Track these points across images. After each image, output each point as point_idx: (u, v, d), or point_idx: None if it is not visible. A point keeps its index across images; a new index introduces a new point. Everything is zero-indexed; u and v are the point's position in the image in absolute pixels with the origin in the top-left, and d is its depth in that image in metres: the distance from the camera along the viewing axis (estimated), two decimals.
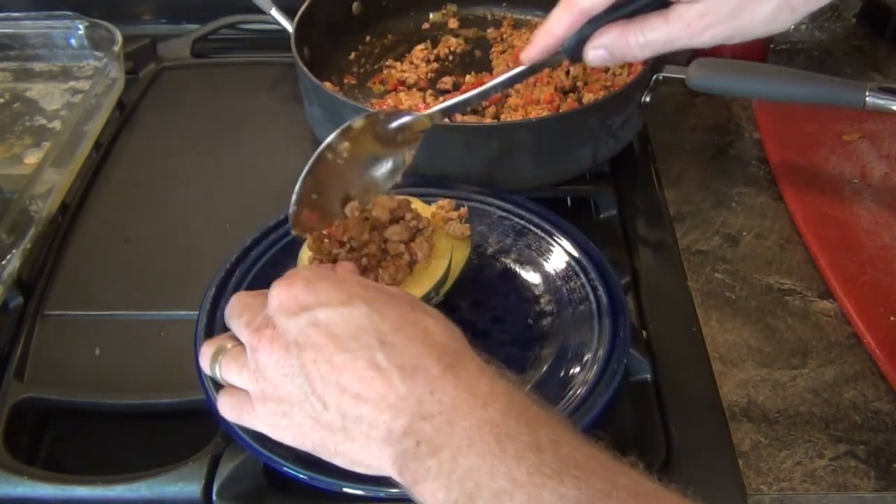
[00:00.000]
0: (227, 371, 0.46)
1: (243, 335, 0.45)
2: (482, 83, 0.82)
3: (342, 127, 0.56)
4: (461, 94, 0.58)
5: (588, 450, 0.38)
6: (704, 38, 0.49)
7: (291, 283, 0.44)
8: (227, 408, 0.46)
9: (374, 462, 0.40)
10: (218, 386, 0.48)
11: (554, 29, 0.52)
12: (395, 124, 0.57)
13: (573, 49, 0.52)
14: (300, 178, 0.55)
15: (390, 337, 0.41)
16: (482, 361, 0.42)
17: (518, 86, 0.82)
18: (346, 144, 0.56)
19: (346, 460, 0.42)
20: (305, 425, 0.42)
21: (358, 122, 0.56)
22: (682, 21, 0.48)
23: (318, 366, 0.41)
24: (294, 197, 0.55)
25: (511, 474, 0.36)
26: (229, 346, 0.46)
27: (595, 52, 0.51)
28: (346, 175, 0.56)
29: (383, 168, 0.57)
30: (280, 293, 0.43)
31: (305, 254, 0.59)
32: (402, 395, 0.39)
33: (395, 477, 0.40)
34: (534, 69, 0.55)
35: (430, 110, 0.57)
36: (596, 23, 0.51)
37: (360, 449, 0.40)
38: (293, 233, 0.55)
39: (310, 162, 0.55)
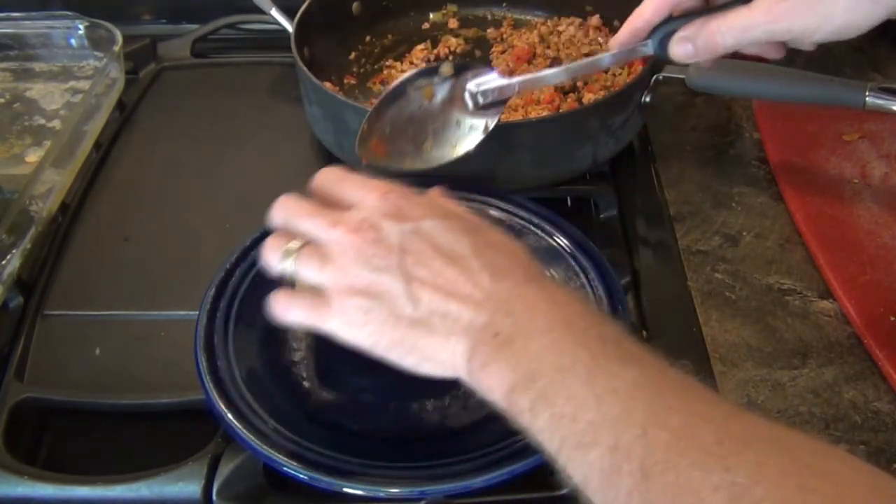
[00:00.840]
0: (306, 266, 0.46)
1: (331, 233, 0.46)
2: None
3: (429, 66, 0.61)
4: (539, 71, 0.65)
5: (645, 348, 0.41)
6: (783, 26, 0.50)
7: (386, 191, 0.48)
8: (295, 308, 0.47)
9: (447, 356, 0.43)
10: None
11: (643, 10, 0.55)
12: (481, 84, 0.61)
13: (659, 43, 0.56)
14: (378, 101, 0.59)
15: (483, 249, 0.45)
16: (557, 282, 0.46)
17: None
18: (430, 90, 0.61)
19: (418, 357, 0.44)
20: (388, 322, 0.44)
21: (446, 69, 0.60)
22: (762, 6, 0.50)
23: (417, 267, 0.44)
24: (366, 118, 0.58)
25: (575, 355, 0.39)
26: (298, 244, 0.47)
27: (680, 46, 0.54)
28: (425, 120, 0.60)
29: (462, 127, 0.61)
30: (384, 202, 0.47)
31: None
32: (488, 295, 0.43)
33: (462, 366, 0.43)
34: (619, 58, 0.59)
35: (515, 79, 0.61)
36: (682, 19, 0.54)
37: (437, 343, 0.43)
38: (358, 153, 0.58)
39: (390, 88, 0.59)
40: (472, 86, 0.61)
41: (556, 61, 0.85)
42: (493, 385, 0.41)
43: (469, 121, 0.61)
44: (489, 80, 0.61)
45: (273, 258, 0.48)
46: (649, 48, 0.56)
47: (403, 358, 0.44)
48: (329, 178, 0.51)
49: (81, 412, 0.59)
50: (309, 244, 0.47)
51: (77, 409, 0.58)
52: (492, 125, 0.61)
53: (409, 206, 0.47)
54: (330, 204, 0.49)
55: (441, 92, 0.60)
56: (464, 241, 0.45)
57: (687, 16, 0.54)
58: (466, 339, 0.42)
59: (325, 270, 0.46)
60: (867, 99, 0.65)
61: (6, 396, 0.57)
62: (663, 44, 0.56)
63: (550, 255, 0.62)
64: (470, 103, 0.62)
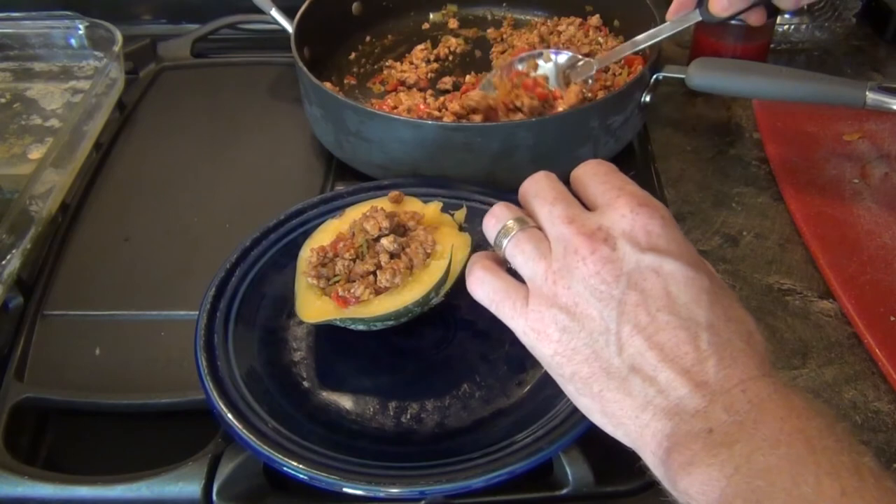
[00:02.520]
0: (518, 250, 0.41)
1: (561, 229, 0.40)
2: (479, 82, 0.83)
3: (531, 53, 0.80)
4: (615, 50, 0.76)
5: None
6: None
7: (650, 214, 0.40)
8: (488, 288, 0.42)
9: (634, 426, 0.37)
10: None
11: None
12: (569, 63, 0.78)
13: (704, 9, 0.67)
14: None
15: (719, 323, 0.38)
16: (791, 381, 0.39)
17: None
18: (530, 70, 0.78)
19: (597, 407, 0.39)
20: (581, 352, 0.38)
21: (546, 55, 0.79)
22: None
23: (639, 311, 0.37)
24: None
25: (820, 486, 0.31)
26: (523, 224, 0.42)
27: (717, 2, 0.63)
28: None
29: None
30: (635, 217, 0.39)
31: (306, 253, 0.59)
32: (710, 380, 0.36)
33: (652, 451, 0.37)
34: (676, 26, 0.70)
35: (595, 58, 0.77)
36: None
37: (627, 406, 0.37)
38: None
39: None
40: (562, 67, 0.78)
41: None
42: (697, 492, 0.34)
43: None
44: (574, 60, 0.79)
45: (491, 228, 0.43)
46: (697, 15, 0.68)
47: (580, 396, 0.39)
48: (588, 171, 0.44)
49: (81, 412, 0.59)
50: (533, 229, 0.42)
51: (77, 409, 0.58)
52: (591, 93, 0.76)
53: (659, 233, 0.39)
54: (583, 198, 0.43)
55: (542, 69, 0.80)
56: (704, 303, 0.38)
57: None
58: (668, 420, 0.36)
59: (538, 265, 0.40)
60: (867, 98, 0.65)
61: (6, 396, 0.57)
62: (705, 7, 0.66)
63: None
64: (560, 83, 0.78)
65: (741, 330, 0.38)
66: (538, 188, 0.43)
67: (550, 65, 0.79)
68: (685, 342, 0.37)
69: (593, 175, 0.43)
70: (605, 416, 0.39)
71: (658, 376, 0.36)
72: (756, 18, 0.68)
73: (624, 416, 0.38)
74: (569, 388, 0.40)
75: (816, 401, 0.36)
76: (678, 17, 0.70)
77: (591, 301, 0.38)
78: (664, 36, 0.71)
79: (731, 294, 0.40)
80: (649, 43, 0.72)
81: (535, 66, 0.79)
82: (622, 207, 0.40)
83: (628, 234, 0.39)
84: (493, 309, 0.42)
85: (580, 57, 0.78)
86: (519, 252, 0.42)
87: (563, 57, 0.79)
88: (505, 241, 0.42)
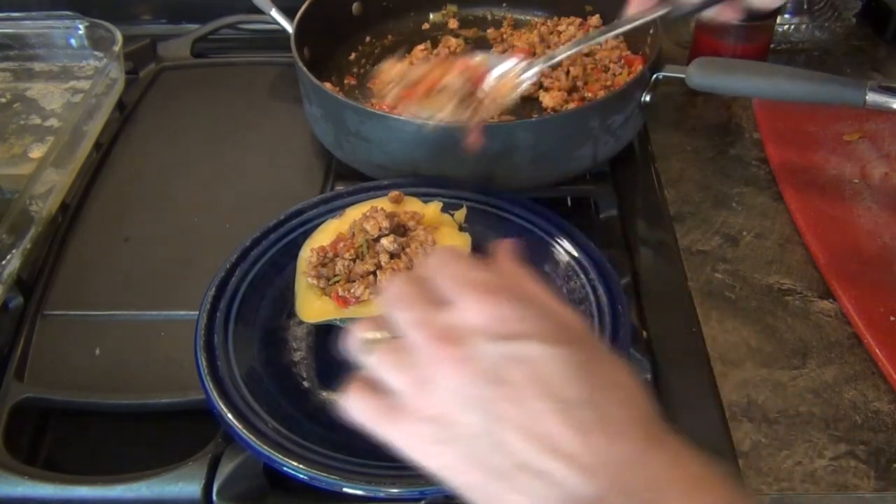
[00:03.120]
0: (381, 363, 0.39)
1: (415, 335, 0.38)
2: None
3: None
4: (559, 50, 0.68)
5: None
6: None
7: (497, 300, 0.37)
8: (362, 411, 0.39)
9: None
10: (219, 385, 0.48)
11: None
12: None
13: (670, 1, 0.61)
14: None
15: (599, 394, 0.36)
16: (682, 439, 0.37)
17: None
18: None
19: None
20: (464, 462, 0.36)
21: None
22: None
23: (510, 405, 0.35)
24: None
25: None
26: (384, 335, 0.40)
27: None
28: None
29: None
30: (483, 308, 0.37)
31: (306, 253, 0.59)
32: (601, 461, 0.34)
33: None
34: (634, 23, 0.63)
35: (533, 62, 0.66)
36: None
37: None
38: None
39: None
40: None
41: None
42: None
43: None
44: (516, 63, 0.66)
45: (353, 346, 0.41)
46: (662, 8, 0.61)
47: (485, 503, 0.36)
48: (433, 266, 0.41)
49: (81, 412, 0.59)
50: (393, 340, 0.39)
51: (77, 409, 0.58)
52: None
53: (513, 318, 0.37)
54: (438, 295, 0.40)
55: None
56: (576, 379, 0.35)
57: None
58: None
59: (400, 378, 0.38)
60: (867, 97, 0.65)
61: (6, 396, 0.57)
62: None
63: (551, 256, 0.62)
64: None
65: (621, 396, 0.36)
66: (393, 295, 0.40)
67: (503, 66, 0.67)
68: (564, 425, 0.34)
69: (439, 270, 0.40)
70: None
71: (546, 468, 0.34)
72: (728, 14, 0.61)
73: None
74: (469, 498, 0.37)
75: (709, 462, 0.36)
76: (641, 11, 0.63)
77: (459, 407, 0.36)
78: (620, 30, 0.66)
79: (607, 357, 0.38)
80: (601, 38, 0.67)
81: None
82: (469, 301, 0.38)
83: (481, 329, 0.37)
84: (374, 432, 0.39)
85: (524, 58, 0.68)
86: (381, 368, 0.39)
87: (512, 62, 0.67)
88: (365, 357, 0.40)
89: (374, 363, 0.39)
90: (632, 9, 0.64)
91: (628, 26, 0.65)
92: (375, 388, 0.39)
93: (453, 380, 0.36)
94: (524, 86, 0.66)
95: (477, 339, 0.36)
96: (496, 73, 0.65)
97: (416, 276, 0.41)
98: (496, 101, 0.64)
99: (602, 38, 0.68)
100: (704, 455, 0.36)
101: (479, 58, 0.66)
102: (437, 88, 0.64)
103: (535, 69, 0.66)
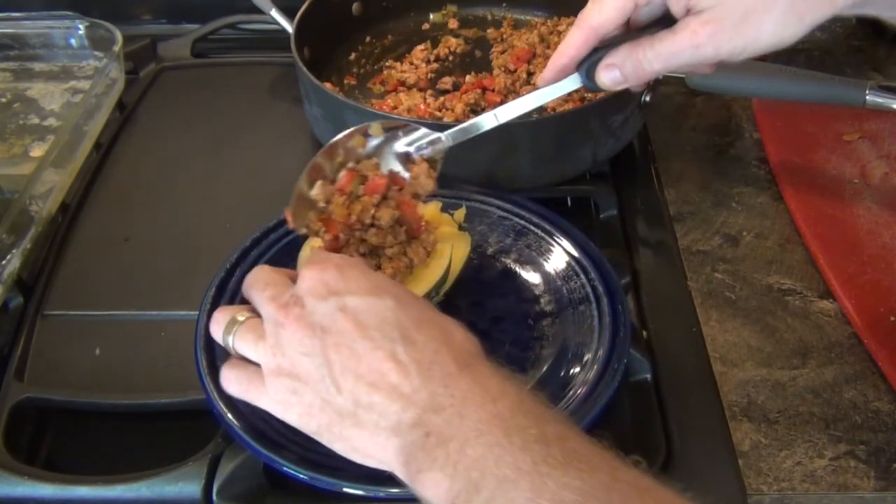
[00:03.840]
0: (241, 342, 0.46)
1: (266, 308, 0.45)
2: (482, 84, 0.83)
3: (357, 128, 0.55)
4: (472, 118, 0.56)
5: (592, 446, 0.38)
6: (709, 50, 0.48)
7: (324, 267, 0.44)
8: (233, 382, 0.46)
9: (376, 451, 0.41)
10: (214, 375, 0.48)
11: (566, 48, 0.52)
12: (412, 141, 0.56)
13: (587, 74, 0.52)
14: (309, 166, 0.55)
15: (412, 332, 0.42)
16: (495, 365, 0.43)
17: (519, 85, 0.82)
18: (362, 141, 0.56)
19: (348, 446, 0.42)
20: (315, 405, 0.42)
21: (375, 129, 0.56)
22: (687, 30, 0.48)
23: (339, 350, 0.41)
24: (295, 192, 0.54)
25: (517, 464, 0.36)
26: (242, 317, 0.46)
27: (607, 72, 0.51)
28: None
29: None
30: (312, 275, 0.44)
31: (306, 253, 0.59)
32: (416, 388, 0.40)
33: (397, 468, 0.40)
34: (547, 95, 0.54)
35: (446, 133, 0.56)
36: (607, 48, 0.51)
37: (365, 436, 0.41)
38: (294, 225, 0.53)
39: (322, 150, 0.55)
40: (400, 146, 0.56)
41: None
42: (433, 495, 0.38)
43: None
44: (421, 136, 0.56)
45: (217, 334, 0.47)
46: (577, 81, 0.53)
47: (333, 444, 0.43)
48: (303, 257, 0.49)
49: (81, 412, 0.59)
50: (250, 319, 0.46)
51: (77, 409, 0.58)
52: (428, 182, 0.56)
53: (336, 278, 0.44)
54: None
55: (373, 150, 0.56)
56: (391, 321, 0.42)
57: (612, 44, 0.51)
58: (396, 437, 0.40)
59: (259, 347, 0.44)
60: (867, 97, 0.65)
61: (6, 396, 0.57)
62: (590, 73, 0.52)
63: (550, 255, 0.63)
64: (401, 165, 0.56)
65: (435, 332, 0.42)
66: (251, 281, 0.48)
67: (377, 141, 0.56)
68: (385, 360, 0.40)
69: (267, 272, 0.48)
70: (357, 452, 0.42)
71: (373, 401, 0.40)
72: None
73: (367, 446, 0.41)
74: (324, 440, 0.43)
75: (508, 376, 0.42)
76: (553, 86, 0.54)
77: (303, 359, 0.42)
78: (532, 108, 0.55)
79: (421, 302, 0.45)
80: (514, 114, 0.55)
81: (363, 143, 0.56)
82: (304, 274, 0.45)
83: (311, 291, 0.43)
84: (245, 398, 0.46)
85: (427, 131, 0.56)
86: (242, 343, 0.46)
87: (406, 140, 0.56)
88: (230, 339, 0.46)
89: (237, 342, 0.46)
90: (543, 81, 0.54)
91: (536, 104, 0.55)
92: (245, 363, 0.46)
93: (293, 336, 0.43)
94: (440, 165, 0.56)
95: (308, 299, 0.43)
96: (390, 165, 0.56)
97: (267, 267, 0.49)
98: (422, 186, 0.56)
99: (503, 122, 0.55)
100: (506, 373, 0.42)
101: (366, 148, 0.56)
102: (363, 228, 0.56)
103: (443, 142, 0.55)
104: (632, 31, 0.52)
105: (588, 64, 0.52)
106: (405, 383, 0.40)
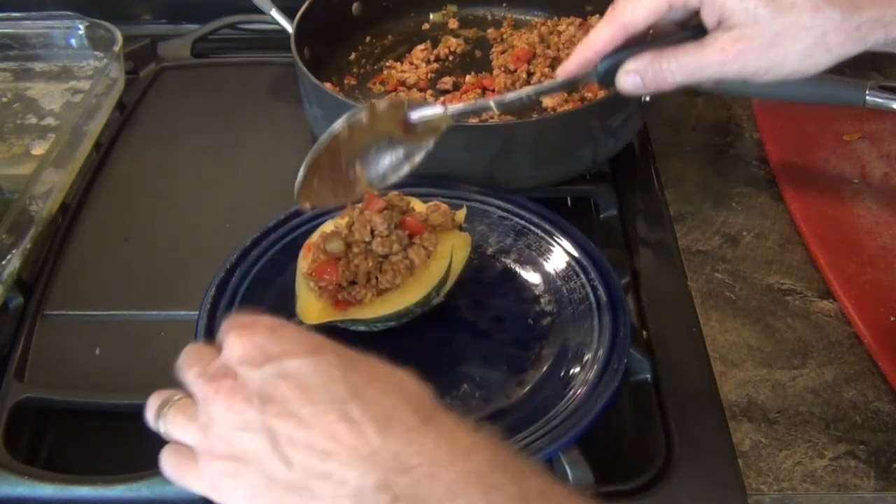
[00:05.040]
0: (172, 424, 0.42)
1: (196, 387, 0.41)
2: (482, 84, 0.83)
3: (366, 106, 0.55)
4: (483, 98, 0.56)
5: (576, 500, 0.36)
6: (735, 67, 0.47)
7: (253, 330, 0.41)
8: (168, 465, 0.42)
9: None
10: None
11: (594, 42, 0.51)
12: (417, 115, 0.56)
13: (605, 73, 0.52)
14: (313, 150, 0.54)
15: (363, 389, 0.38)
16: (457, 416, 0.39)
17: (519, 85, 0.82)
18: (365, 121, 0.55)
19: None
20: (259, 486, 0.38)
21: (382, 105, 0.55)
22: (716, 45, 0.47)
23: (284, 420, 0.37)
24: (303, 169, 0.54)
25: None
26: (177, 397, 0.43)
27: (627, 77, 0.50)
28: (357, 150, 0.56)
29: (395, 154, 0.56)
30: (242, 342, 0.40)
31: (305, 261, 0.58)
32: (376, 448, 0.36)
33: None
34: (565, 85, 0.54)
35: (450, 109, 0.56)
36: (631, 51, 0.51)
37: None
38: (298, 201, 0.54)
39: (323, 137, 0.55)
40: (412, 115, 0.56)
41: (555, 61, 0.85)
42: None
43: (402, 147, 0.56)
44: (425, 108, 0.56)
45: (149, 416, 0.43)
46: (593, 77, 0.52)
47: None
48: (227, 325, 0.44)
49: (81, 412, 0.59)
50: (181, 400, 0.42)
51: (77, 409, 0.58)
52: (418, 157, 0.57)
53: (271, 342, 0.40)
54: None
55: (378, 122, 0.56)
56: (338, 379, 0.38)
57: (635, 47, 0.51)
58: None
59: (190, 429, 0.41)
60: (867, 97, 0.65)
61: (6, 396, 0.57)
62: (610, 74, 0.51)
63: (550, 255, 0.63)
64: (407, 131, 0.56)
65: (387, 385, 0.39)
66: (181, 361, 0.43)
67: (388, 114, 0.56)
68: (337, 422, 0.37)
69: (223, 328, 0.43)
70: None
71: (329, 469, 0.36)
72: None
73: None
74: None
75: (478, 429, 0.38)
76: (570, 79, 0.54)
77: (241, 435, 0.38)
78: (543, 94, 0.57)
79: (364, 358, 0.41)
80: (529, 98, 0.55)
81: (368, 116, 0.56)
82: (230, 340, 0.41)
83: (243, 359, 0.40)
84: (181, 483, 0.41)
85: (430, 102, 0.57)
86: (173, 425, 0.42)
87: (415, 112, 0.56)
88: (160, 424, 0.42)
89: (167, 425, 0.42)
90: (563, 74, 0.54)
91: (544, 89, 0.56)
92: (181, 446, 0.41)
93: (228, 411, 0.38)
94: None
95: (241, 369, 0.39)
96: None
97: (196, 346, 0.44)
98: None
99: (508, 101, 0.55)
100: (473, 425, 0.38)
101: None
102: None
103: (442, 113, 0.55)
104: (657, 34, 0.51)
105: (609, 64, 0.51)
106: (363, 444, 0.36)
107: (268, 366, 0.39)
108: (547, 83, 0.55)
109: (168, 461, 0.42)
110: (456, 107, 0.55)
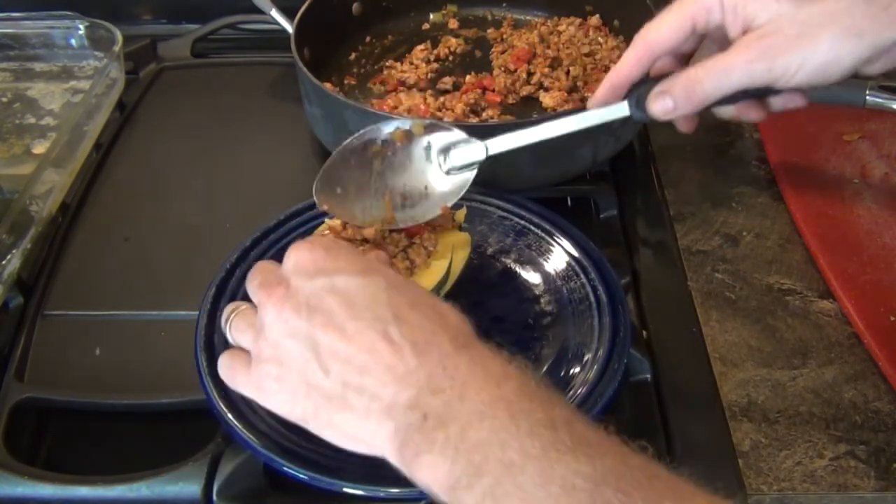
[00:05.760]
0: (235, 329, 0.45)
1: (255, 295, 0.43)
2: (482, 84, 0.83)
3: (396, 124, 0.56)
4: (513, 133, 0.57)
5: (599, 432, 0.37)
6: (762, 65, 0.46)
7: (312, 246, 0.43)
8: (223, 367, 0.45)
9: (367, 436, 0.39)
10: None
11: (620, 67, 0.52)
12: (451, 143, 0.56)
13: (637, 103, 0.52)
14: (332, 156, 0.56)
15: (405, 312, 0.40)
16: (493, 347, 0.41)
17: (519, 85, 0.82)
18: (398, 144, 0.56)
19: (338, 432, 0.40)
20: (299, 391, 0.40)
21: (417, 127, 0.56)
22: (740, 45, 0.47)
23: (327, 330, 0.39)
24: (321, 174, 0.55)
25: (523, 448, 0.35)
26: (244, 307, 0.46)
27: (657, 99, 0.50)
28: (388, 178, 0.57)
29: (427, 195, 0.57)
30: (299, 254, 0.43)
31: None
32: (412, 369, 0.38)
33: (390, 453, 0.39)
34: (596, 118, 0.54)
35: (486, 141, 0.56)
36: (660, 79, 0.51)
37: (355, 420, 0.39)
38: (316, 200, 0.55)
39: (359, 138, 0.56)
40: (438, 144, 0.56)
41: (555, 61, 0.85)
42: (430, 479, 0.36)
43: (436, 186, 0.57)
44: (460, 140, 0.56)
45: (222, 323, 0.47)
46: (625, 108, 0.52)
47: (321, 431, 0.41)
48: (260, 265, 0.47)
49: (81, 412, 0.59)
50: (246, 309, 0.45)
51: (77, 409, 0.58)
52: (456, 197, 0.57)
53: (324, 257, 0.42)
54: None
55: (410, 148, 0.56)
56: (383, 299, 0.40)
57: (665, 76, 0.51)
58: (390, 420, 0.38)
59: (248, 334, 0.43)
60: (867, 97, 0.64)
61: (6, 396, 0.57)
62: (641, 102, 0.51)
63: (550, 255, 0.63)
64: (439, 163, 0.57)
65: (429, 313, 0.41)
66: (250, 276, 0.46)
67: (424, 141, 0.57)
68: (378, 340, 0.38)
69: (264, 263, 0.47)
70: (346, 437, 0.40)
71: (365, 383, 0.38)
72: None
73: (357, 431, 0.39)
74: (311, 427, 0.41)
75: (511, 360, 0.40)
76: (602, 110, 0.54)
77: (286, 341, 0.40)
78: (575, 130, 0.55)
79: (412, 284, 0.44)
80: (558, 132, 0.56)
81: (402, 138, 0.57)
82: (290, 254, 0.44)
83: (297, 270, 0.42)
84: (231, 385, 0.45)
85: (467, 137, 0.56)
86: (235, 331, 0.45)
87: (440, 135, 0.56)
88: (227, 328, 0.46)
89: (232, 331, 0.45)
90: (592, 104, 0.55)
91: (592, 123, 0.55)
92: (239, 351, 0.45)
93: (278, 318, 0.41)
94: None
95: (294, 279, 0.42)
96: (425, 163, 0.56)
97: (265, 262, 0.47)
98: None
99: (549, 136, 0.57)
100: (507, 356, 0.40)
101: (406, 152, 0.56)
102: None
103: (481, 158, 0.55)
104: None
105: (639, 93, 0.52)
106: (400, 364, 0.38)
107: (319, 278, 0.41)
108: (577, 115, 0.55)
109: (223, 364, 0.45)
110: (496, 142, 0.56)
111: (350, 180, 0.56)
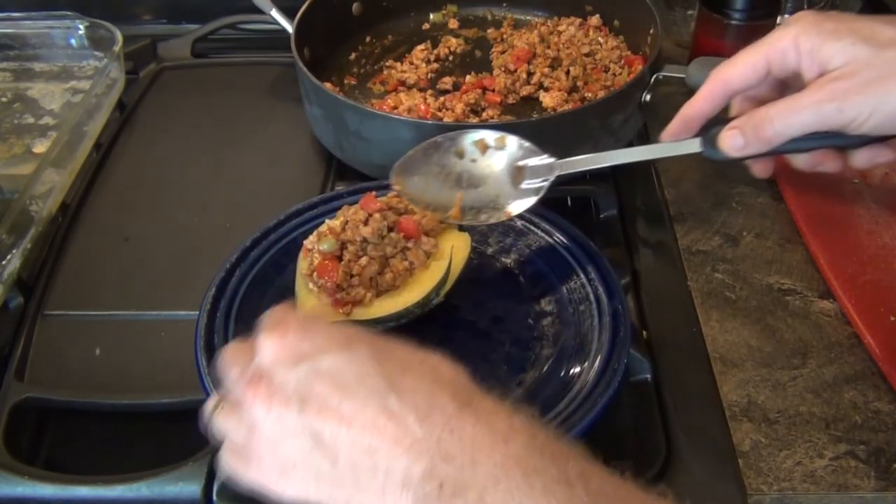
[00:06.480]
0: (226, 426, 0.42)
1: (237, 389, 0.41)
2: (482, 84, 0.83)
3: (482, 135, 0.61)
4: (584, 157, 0.60)
5: (617, 481, 0.36)
6: (832, 106, 0.45)
7: (284, 330, 0.41)
8: (226, 465, 0.43)
9: None
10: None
11: (694, 101, 0.52)
12: (524, 161, 0.59)
13: (709, 139, 0.53)
14: (416, 147, 0.60)
15: (399, 379, 0.39)
16: (495, 398, 0.40)
17: (519, 85, 0.82)
18: (480, 153, 0.60)
19: None
20: (308, 483, 0.39)
21: (499, 140, 0.60)
22: (813, 86, 0.46)
23: (325, 417, 0.38)
24: (403, 160, 0.59)
25: None
26: (217, 407, 0.43)
27: (727, 135, 0.51)
28: (466, 178, 0.61)
29: (497, 201, 0.60)
30: (273, 343, 0.41)
31: (304, 262, 0.58)
32: (419, 437, 0.37)
33: None
34: (666, 150, 0.56)
35: (562, 167, 0.59)
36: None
37: (373, 499, 0.37)
38: (391, 179, 0.59)
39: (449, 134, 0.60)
40: (514, 159, 0.60)
41: (555, 61, 0.85)
42: None
43: (506, 197, 0.60)
44: (536, 159, 0.60)
45: (205, 415, 0.44)
46: (697, 145, 0.54)
47: None
48: (262, 323, 0.44)
49: (81, 412, 0.59)
50: (230, 403, 0.43)
51: (77, 409, 0.58)
52: (521, 209, 0.60)
53: (303, 340, 0.40)
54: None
55: (490, 160, 0.61)
56: (373, 372, 0.39)
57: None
58: (407, 493, 0.36)
59: (238, 432, 0.41)
60: None
61: (6, 396, 0.57)
62: (712, 141, 0.52)
63: (550, 256, 0.63)
64: (511, 178, 0.60)
65: (422, 371, 0.39)
66: (221, 363, 0.44)
67: (502, 154, 0.61)
68: (378, 415, 0.37)
69: (261, 328, 0.43)
70: None
71: (375, 461, 0.37)
72: (762, 170, 0.57)
73: None
74: None
75: (516, 412, 0.39)
76: (673, 142, 0.56)
77: (284, 441, 0.39)
78: (649, 159, 0.59)
79: (396, 345, 0.41)
80: (630, 159, 0.59)
81: (483, 147, 0.61)
82: (261, 343, 0.41)
83: (276, 360, 0.40)
84: (240, 480, 0.42)
85: (543, 157, 0.60)
86: (226, 426, 0.42)
87: (516, 146, 0.61)
88: (213, 427, 0.43)
89: (219, 429, 0.43)
90: (666, 136, 0.57)
91: (654, 157, 0.59)
92: (237, 448, 0.42)
93: (268, 416, 0.39)
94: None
95: (277, 370, 0.40)
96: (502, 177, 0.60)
97: (234, 344, 0.44)
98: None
99: (612, 163, 0.60)
100: (510, 407, 0.39)
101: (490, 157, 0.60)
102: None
103: (551, 178, 0.58)
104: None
105: (712, 131, 0.53)
106: (406, 436, 0.37)
107: (302, 365, 0.39)
108: (649, 149, 0.59)
109: (225, 461, 0.43)
110: (567, 162, 0.59)
111: (428, 173, 0.60)
